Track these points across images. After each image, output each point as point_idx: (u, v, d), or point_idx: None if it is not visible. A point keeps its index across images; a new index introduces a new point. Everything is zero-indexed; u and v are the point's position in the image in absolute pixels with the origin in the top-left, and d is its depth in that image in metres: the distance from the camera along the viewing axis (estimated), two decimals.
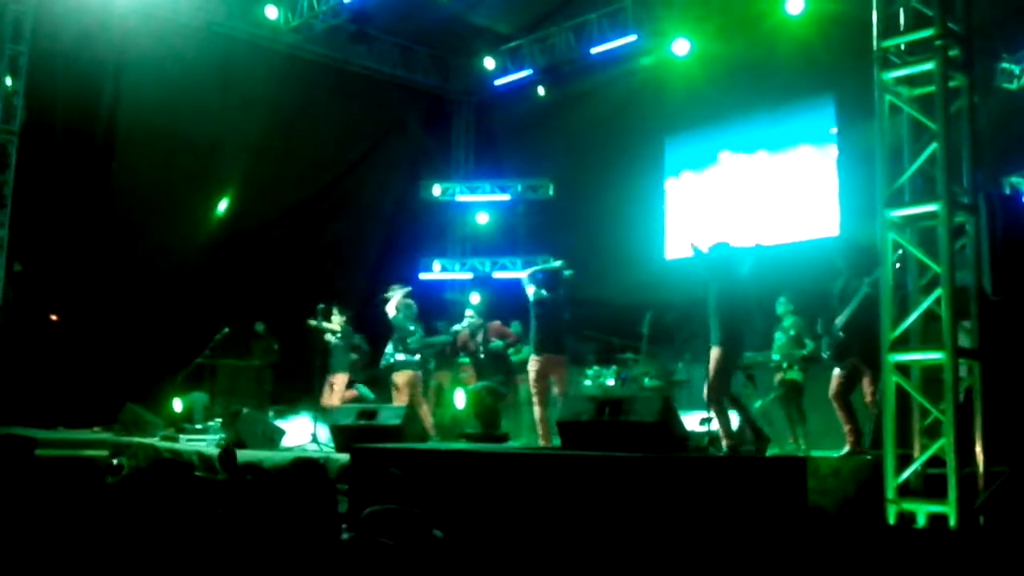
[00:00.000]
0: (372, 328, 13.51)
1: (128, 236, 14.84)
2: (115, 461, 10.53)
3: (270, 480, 4.45)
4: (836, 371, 8.70)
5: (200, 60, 14.74)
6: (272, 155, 15.73)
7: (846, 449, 8.42)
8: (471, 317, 12.54)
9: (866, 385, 8.69)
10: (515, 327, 14.62)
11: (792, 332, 10.06)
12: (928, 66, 6.20)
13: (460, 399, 10.27)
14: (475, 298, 16.94)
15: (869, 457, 7.73)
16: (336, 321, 12.51)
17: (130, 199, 14.98)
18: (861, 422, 8.55)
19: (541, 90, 17.30)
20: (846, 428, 8.50)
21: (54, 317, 14.92)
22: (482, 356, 12.40)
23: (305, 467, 4.24)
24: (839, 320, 8.68)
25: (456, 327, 12.96)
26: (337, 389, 12.43)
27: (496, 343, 12.50)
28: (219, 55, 15.15)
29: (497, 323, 12.95)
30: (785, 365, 10.00)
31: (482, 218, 18.56)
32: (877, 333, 7.33)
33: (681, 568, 5.78)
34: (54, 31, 13.99)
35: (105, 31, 14.33)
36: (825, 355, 9.05)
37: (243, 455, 9.38)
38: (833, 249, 11.26)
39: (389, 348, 11.54)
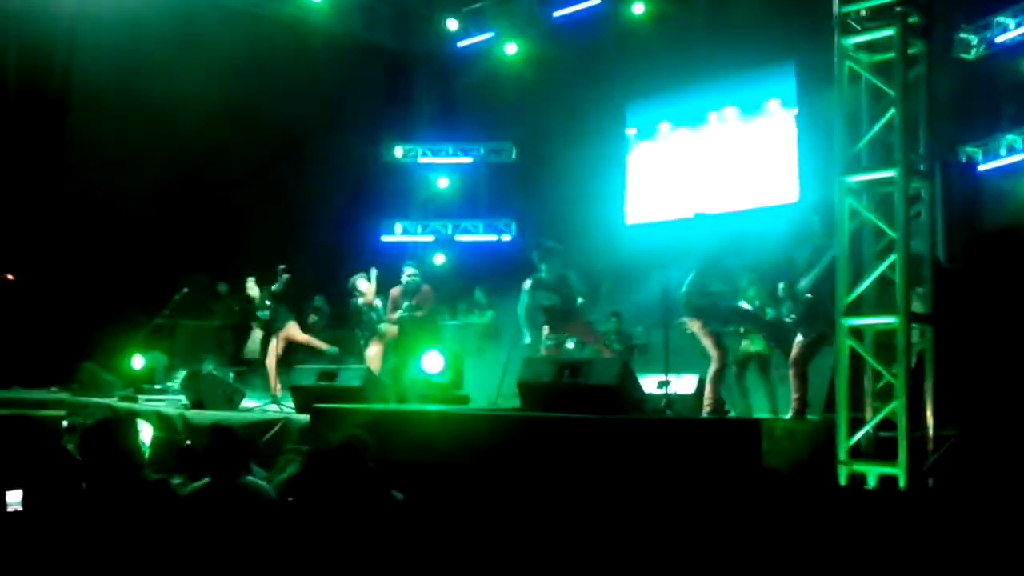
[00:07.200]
0: (334, 287, 13.48)
1: (84, 194, 14.66)
2: (65, 423, 10.41)
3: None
4: (799, 337, 8.19)
5: (158, 16, 14.42)
6: (231, 115, 15.51)
7: (788, 415, 8.21)
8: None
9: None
10: (478, 295, 14.59)
11: (757, 302, 9.92)
12: (888, 32, 6.20)
13: (436, 361, 10.06)
14: (439, 259, 17.05)
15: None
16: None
17: (86, 157, 14.79)
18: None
19: (513, 47, 17.16)
20: (795, 396, 8.06)
21: (10, 276, 14.73)
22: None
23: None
24: (804, 283, 8.12)
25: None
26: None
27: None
28: (177, 11, 14.83)
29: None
30: (742, 331, 10.02)
31: (442, 183, 18.45)
32: None
33: (637, 527, 5.88)
34: None
35: None
36: (789, 320, 8.61)
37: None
38: (803, 211, 11.09)
39: None
